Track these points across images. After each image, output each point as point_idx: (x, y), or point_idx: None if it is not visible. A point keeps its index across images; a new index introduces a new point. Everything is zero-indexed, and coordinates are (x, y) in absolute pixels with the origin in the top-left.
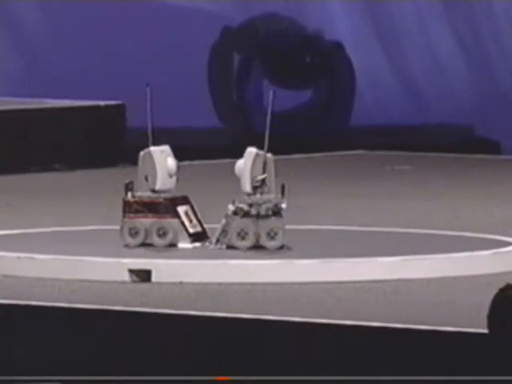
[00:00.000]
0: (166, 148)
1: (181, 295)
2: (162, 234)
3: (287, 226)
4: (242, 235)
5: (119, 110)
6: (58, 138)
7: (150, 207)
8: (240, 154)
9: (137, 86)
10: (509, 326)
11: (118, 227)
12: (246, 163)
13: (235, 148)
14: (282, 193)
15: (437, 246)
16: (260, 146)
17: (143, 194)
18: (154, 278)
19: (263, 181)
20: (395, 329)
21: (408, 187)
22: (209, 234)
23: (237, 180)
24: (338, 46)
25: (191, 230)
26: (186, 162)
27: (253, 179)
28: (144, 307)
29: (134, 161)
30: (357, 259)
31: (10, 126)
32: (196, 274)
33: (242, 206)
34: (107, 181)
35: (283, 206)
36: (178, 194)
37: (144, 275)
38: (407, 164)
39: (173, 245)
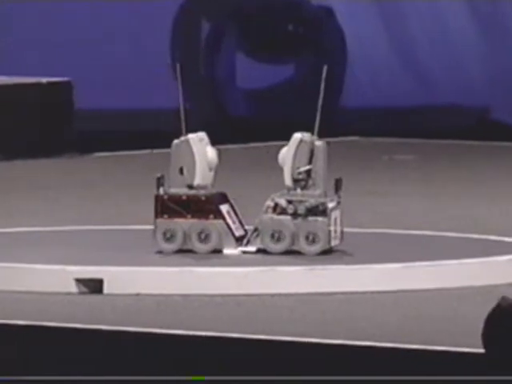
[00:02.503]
0: (204, 136)
1: (138, 309)
2: (205, 237)
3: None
4: (277, 237)
5: (65, 88)
6: None
7: (189, 206)
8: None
9: (86, 60)
10: (504, 343)
11: (63, 228)
12: (289, 151)
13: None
14: (336, 189)
15: (443, 251)
16: (236, 132)
17: (179, 189)
18: (105, 289)
19: (308, 173)
20: (392, 349)
21: (410, 181)
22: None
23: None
24: (327, 13)
25: (237, 233)
26: (147, 151)
27: (294, 171)
28: (94, 323)
29: (84, 149)
30: (348, 266)
31: None
32: (156, 285)
33: (280, 201)
34: (51, 173)
35: (331, 205)
36: (215, 191)
37: (94, 285)
38: (409, 153)
39: (217, 250)
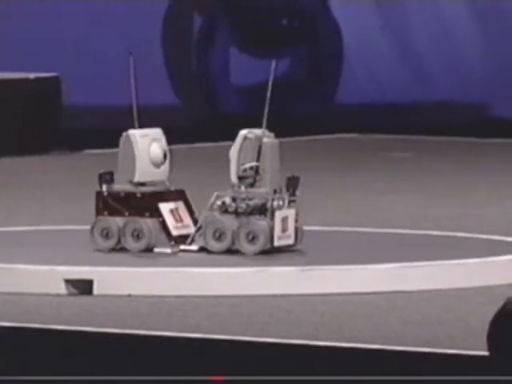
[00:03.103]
0: (154, 131)
1: (129, 311)
2: (137, 235)
3: None
4: (218, 235)
5: (53, 83)
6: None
7: (126, 203)
8: (201, 137)
9: (74, 55)
10: (509, 345)
11: (49, 228)
12: (234, 148)
13: (195, 130)
14: (289, 187)
15: (442, 251)
16: (228, 129)
17: (123, 186)
18: (96, 290)
19: (256, 171)
20: (389, 351)
21: (407, 179)
22: None
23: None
24: (323, 5)
25: (175, 232)
26: None
27: (239, 168)
28: (84, 325)
29: (72, 146)
30: (345, 266)
31: None
32: (148, 285)
33: (224, 199)
34: (39, 171)
35: (275, 203)
36: (170, 188)
37: (84, 286)
38: (406, 150)
39: (149, 249)
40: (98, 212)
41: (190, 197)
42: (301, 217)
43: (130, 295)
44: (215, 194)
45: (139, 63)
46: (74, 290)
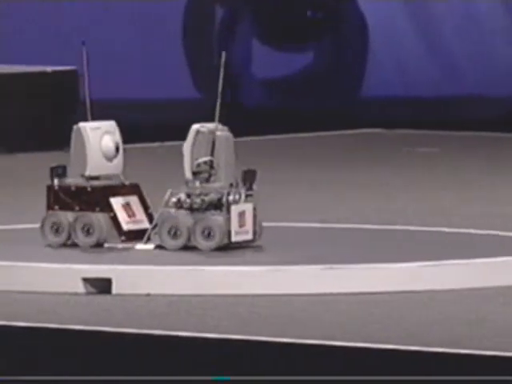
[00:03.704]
0: (107, 124)
1: (148, 310)
2: (87, 230)
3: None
4: (173, 232)
5: (71, 77)
6: None
7: (77, 197)
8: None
9: (94, 47)
10: None
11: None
12: (187, 143)
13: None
14: (245, 182)
15: (468, 249)
16: (248, 123)
17: (75, 180)
18: (114, 289)
19: (210, 165)
20: (409, 352)
21: (434, 174)
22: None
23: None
24: None
25: (126, 227)
26: (156, 144)
27: (193, 163)
28: (102, 325)
29: None
30: (366, 265)
31: None
32: (167, 284)
33: (179, 196)
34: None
35: (231, 198)
36: (123, 182)
37: (102, 285)
38: (433, 145)
39: (100, 244)
40: (49, 206)
41: (144, 191)
42: (260, 211)
43: (148, 294)
44: (169, 191)
45: (160, 57)
46: (92, 289)
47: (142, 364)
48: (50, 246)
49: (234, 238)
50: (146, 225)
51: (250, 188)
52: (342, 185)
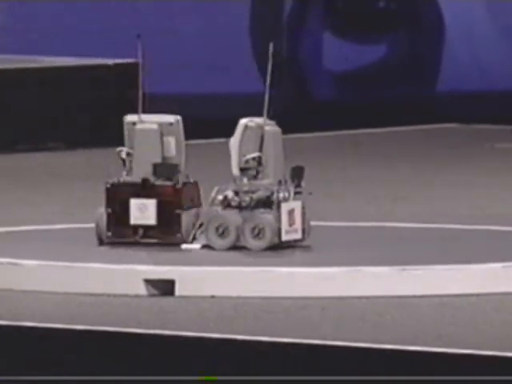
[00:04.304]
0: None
1: (213, 313)
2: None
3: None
4: (221, 231)
5: (133, 70)
6: (53, 107)
7: None
8: (292, 127)
9: (156, 41)
10: None
11: None
12: (235, 139)
13: (286, 120)
14: (294, 179)
15: None
16: (320, 119)
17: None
18: (177, 291)
19: (258, 162)
20: (493, 357)
21: None
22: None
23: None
24: None
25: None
26: (222, 139)
27: (241, 159)
28: (165, 329)
29: None
30: (443, 266)
31: None
32: (233, 286)
33: (226, 193)
34: (117, 164)
35: (281, 195)
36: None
37: (165, 287)
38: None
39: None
40: None
41: (202, 189)
42: (312, 210)
43: (213, 296)
44: (216, 188)
45: (226, 49)
46: (154, 291)
47: (207, 368)
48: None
49: (284, 237)
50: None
51: (298, 185)
52: (413, 182)
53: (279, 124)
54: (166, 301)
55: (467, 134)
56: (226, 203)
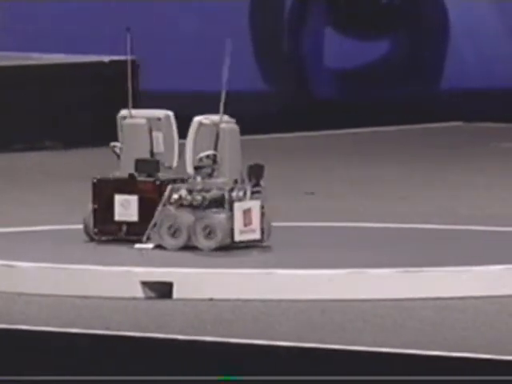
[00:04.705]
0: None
1: (211, 316)
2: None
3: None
4: (173, 231)
5: (130, 67)
6: (49, 106)
7: None
8: (292, 126)
9: (155, 36)
10: None
11: None
12: (189, 136)
13: (286, 118)
14: (251, 177)
15: None
16: (322, 117)
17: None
18: (175, 294)
19: (213, 160)
20: (499, 361)
21: None
22: None
23: (285, 161)
24: None
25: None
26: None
27: (194, 157)
28: (162, 332)
29: None
30: (447, 268)
31: None
32: (232, 288)
33: (180, 192)
34: (114, 162)
35: (234, 194)
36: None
37: (163, 289)
38: None
39: None
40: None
41: None
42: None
43: (211, 299)
44: (170, 187)
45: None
46: (151, 294)
47: (204, 371)
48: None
49: (237, 238)
50: None
51: (256, 184)
52: (417, 182)
53: (278, 122)
54: (163, 303)
55: (470, 132)
56: (179, 202)
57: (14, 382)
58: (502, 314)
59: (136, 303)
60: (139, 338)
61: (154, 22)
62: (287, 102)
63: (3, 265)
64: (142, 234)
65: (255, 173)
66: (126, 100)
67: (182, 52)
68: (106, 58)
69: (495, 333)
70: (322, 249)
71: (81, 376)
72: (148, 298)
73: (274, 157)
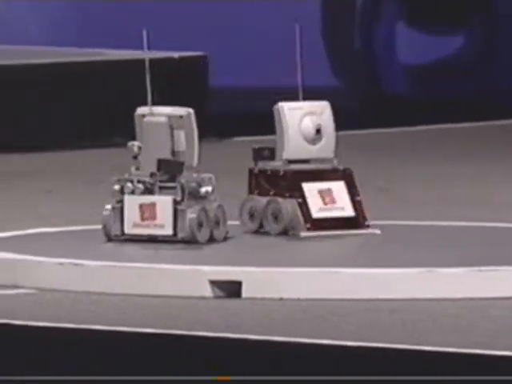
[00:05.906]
0: (312, 104)
1: (281, 316)
2: (275, 217)
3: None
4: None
5: (200, 63)
6: (118, 102)
7: (272, 182)
8: (366, 123)
9: (224, 33)
10: None
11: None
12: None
13: (361, 114)
14: (161, 172)
15: None
16: (393, 113)
17: (275, 164)
18: (244, 293)
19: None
20: None
21: None
22: (366, 221)
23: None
24: None
25: (316, 215)
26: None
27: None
28: (231, 332)
29: (221, 132)
30: None
31: (48, 86)
32: (302, 288)
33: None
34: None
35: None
36: (333, 167)
37: (231, 288)
38: None
39: (285, 232)
40: (250, 191)
41: (355, 177)
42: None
43: (281, 298)
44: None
45: (294, 41)
46: (220, 293)
47: (275, 371)
48: (246, 232)
49: (129, 231)
50: (345, 212)
51: (170, 180)
52: (474, 181)
53: (349, 118)
54: (232, 303)
55: None
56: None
57: (92, 382)
58: None
59: (205, 302)
60: (206, 338)
61: (222, 16)
62: (359, 99)
63: (71, 263)
64: None
65: (166, 168)
66: (195, 96)
67: (249, 48)
68: (176, 54)
69: None
70: (391, 247)
71: (153, 376)
72: (216, 297)
73: (347, 152)
